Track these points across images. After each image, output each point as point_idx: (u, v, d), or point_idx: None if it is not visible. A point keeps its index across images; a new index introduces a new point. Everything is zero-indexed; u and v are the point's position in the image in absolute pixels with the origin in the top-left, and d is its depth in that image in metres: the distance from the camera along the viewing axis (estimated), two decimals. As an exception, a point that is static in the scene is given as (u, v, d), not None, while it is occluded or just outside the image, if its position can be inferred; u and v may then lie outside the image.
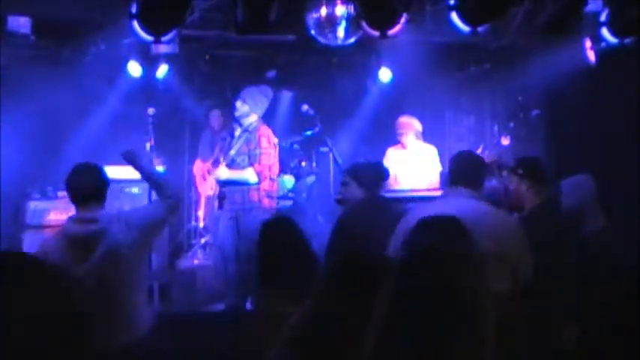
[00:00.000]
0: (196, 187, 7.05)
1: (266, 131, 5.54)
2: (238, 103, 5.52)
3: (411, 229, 2.43)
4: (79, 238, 3.23)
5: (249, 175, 5.39)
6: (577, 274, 3.36)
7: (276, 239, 2.96)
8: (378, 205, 4.02)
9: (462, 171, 3.46)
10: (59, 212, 6.02)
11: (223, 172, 5.41)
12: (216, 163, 5.50)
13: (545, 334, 3.10)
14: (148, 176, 3.66)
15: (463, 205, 3.26)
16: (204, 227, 7.14)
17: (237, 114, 5.53)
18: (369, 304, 1.65)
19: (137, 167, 3.59)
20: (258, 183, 5.42)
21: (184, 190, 7.18)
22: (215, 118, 7.20)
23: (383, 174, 4.23)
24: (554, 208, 3.70)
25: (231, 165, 5.48)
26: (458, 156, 3.73)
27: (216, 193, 5.58)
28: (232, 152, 5.48)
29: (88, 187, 3.32)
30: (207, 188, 6.64)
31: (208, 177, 6.53)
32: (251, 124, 5.53)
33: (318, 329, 1.81)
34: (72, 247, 3.22)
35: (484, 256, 3.00)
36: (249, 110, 5.51)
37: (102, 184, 3.35)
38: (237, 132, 5.55)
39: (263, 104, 5.60)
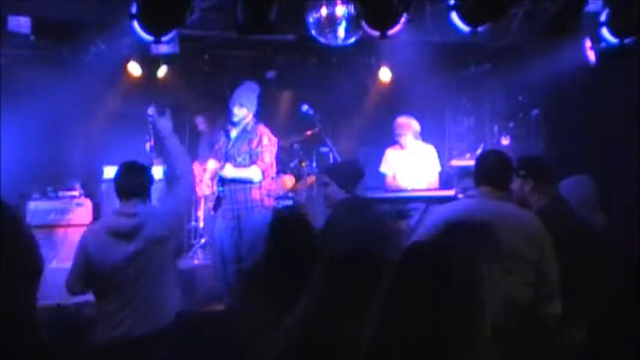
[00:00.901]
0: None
1: (265, 130, 5.55)
2: (236, 109, 5.49)
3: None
4: (120, 229, 3.50)
5: (253, 172, 5.40)
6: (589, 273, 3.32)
7: (288, 236, 3.00)
8: (360, 204, 4.03)
9: (486, 171, 3.38)
10: (59, 212, 6.03)
11: (229, 171, 5.42)
12: (227, 160, 5.48)
13: (557, 335, 3.07)
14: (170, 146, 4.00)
15: (487, 205, 3.22)
16: (204, 227, 7.14)
17: (235, 119, 5.51)
18: (365, 303, 1.65)
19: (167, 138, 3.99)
20: (261, 181, 5.42)
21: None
22: (200, 124, 7.24)
23: (360, 173, 4.24)
24: (563, 207, 3.67)
25: (232, 165, 5.48)
26: (483, 156, 3.68)
27: (214, 193, 5.56)
28: (233, 152, 5.48)
29: (132, 184, 3.61)
30: (203, 188, 6.65)
31: (204, 177, 6.52)
32: (248, 123, 5.54)
33: (313, 328, 1.80)
34: (113, 237, 3.50)
35: (506, 258, 2.97)
36: (247, 112, 5.51)
37: (145, 182, 3.66)
38: (234, 133, 5.54)
39: (255, 101, 5.60)
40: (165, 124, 4.16)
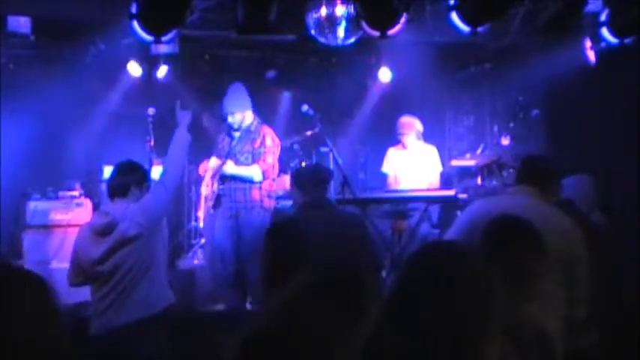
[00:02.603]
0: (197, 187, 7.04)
1: (269, 131, 5.54)
2: (230, 118, 5.48)
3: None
4: (97, 227, 3.71)
5: (254, 172, 5.39)
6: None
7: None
8: (315, 207, 4.03)
9: (528, 171, 3.36)
10: (59, 212, 6.02)
11: (230, 167, 5.42)
12: (229, 159, 5.48)
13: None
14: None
15: (522, 202, 3.17)
16: (204, 227, 7.12)
17: (235, 126, 5.51)
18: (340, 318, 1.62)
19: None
20: (262, 182, 5.42)
21: (184, 191, 7.19)
22: (206, 121, 7.22)
23: (321, 177, 4.25)
24: (570, 207, 3.64)
25: (234, 163, 5.48)
26: (529, 156, 3.67)
27: (214, 192, 5.56)
28: (236, 151, 5.48)
29: (113, 185, 3.77)
30: (203, 187, 6.64)
31: (205, 176, 6.52)
32: (252, 123, 5.53)
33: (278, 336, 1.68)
34: (92, 234, 3.72)
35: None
36: (242, 116, 5.49)
37: (129, 182, 3.76)
38: (237, 133, 5.54)
39: (247, 100, 5.57)
40: (185, 118, 4.33)
